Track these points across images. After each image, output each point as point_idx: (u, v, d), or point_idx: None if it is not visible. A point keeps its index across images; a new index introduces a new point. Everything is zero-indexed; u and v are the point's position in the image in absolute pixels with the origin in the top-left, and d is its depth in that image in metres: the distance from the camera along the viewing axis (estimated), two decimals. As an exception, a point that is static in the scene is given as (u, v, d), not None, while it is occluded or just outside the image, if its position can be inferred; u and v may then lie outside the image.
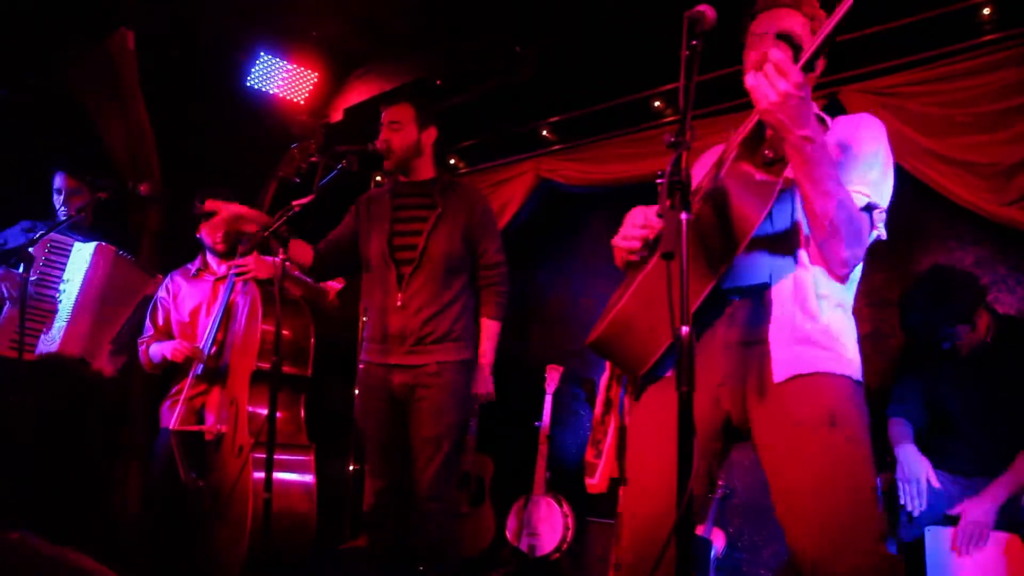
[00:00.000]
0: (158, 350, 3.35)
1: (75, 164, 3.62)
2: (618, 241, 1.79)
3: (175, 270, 3.59)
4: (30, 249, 3.19)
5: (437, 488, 2.74)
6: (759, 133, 1.67)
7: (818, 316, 1.70)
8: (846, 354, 1.70)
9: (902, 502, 2.62)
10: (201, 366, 3.27)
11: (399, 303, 2.84)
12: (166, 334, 3.46)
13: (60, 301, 3.45)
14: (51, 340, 3.40)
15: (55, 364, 3.39)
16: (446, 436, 2.77)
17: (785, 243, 1.76)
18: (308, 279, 3.42)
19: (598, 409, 3.52)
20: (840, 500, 1.56)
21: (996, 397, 2.68)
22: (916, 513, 2.59)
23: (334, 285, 3.49)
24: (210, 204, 3.31)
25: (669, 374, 1.76)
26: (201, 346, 3.29)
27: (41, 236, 3.28)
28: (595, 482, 3.52)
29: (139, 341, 3.46)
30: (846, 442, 1.59)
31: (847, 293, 1.78)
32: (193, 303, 3.48)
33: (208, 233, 3.49)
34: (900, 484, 2.64)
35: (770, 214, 1.76)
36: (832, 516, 1.55)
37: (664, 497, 1.54)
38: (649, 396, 1.83)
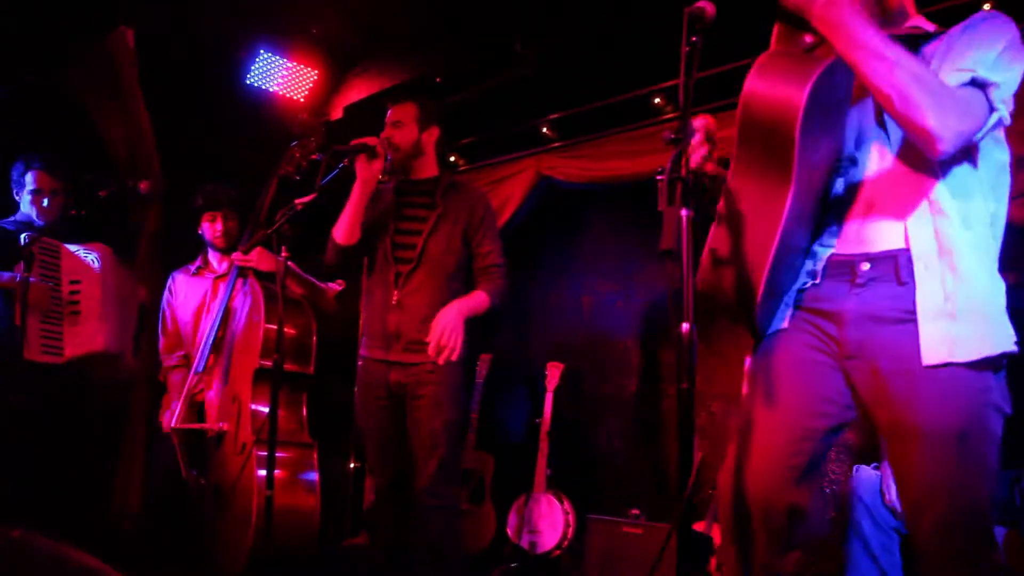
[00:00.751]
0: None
1: (51, 161, 3.44)
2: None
3: (176, 270, 3.59)
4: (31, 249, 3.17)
5: (436, 486, 2.73)
6: (789, 31, 1.56)
7: (970, 277, 1.51)
8: (1001, 321, 1.53)
9: None
10: (203, 363, 3.27)
11: (394, 301, 2.83)
12: (175, 336, 3.50)
13: (81, 303, 3.39)
14: (88, 340, 3.33)
15: (81, 363, 3.37)
16: (443, 433, 2.75)
17: (908, 180, 1.56)
18: (310, 277, 3.43)
19: None
20: (959, 510, 1.50)
21: None
22: None
23: (334, 287, 3.50)
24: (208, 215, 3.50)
25: (784, 325, 1.67)
26: (203, 343, 3.30)
27: (36, 238, 3.25)
28: None
29: (160, 358, 3.52)
30: (972, 462, 1.50)
31: (990, 237, 1.56)
32: (195, 302, 3.49)
33: (209, 228, 3.50)
34: None
35: (887, 129, 1.59)
36: (952, 525, 1.50)
37: (769, 466, 1.60)
38: (760, 356, 1.72)
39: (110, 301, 3.43)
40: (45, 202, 3.41)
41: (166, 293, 3.53)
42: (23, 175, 3.42)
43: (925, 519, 1.51)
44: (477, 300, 2.83)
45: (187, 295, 3.51)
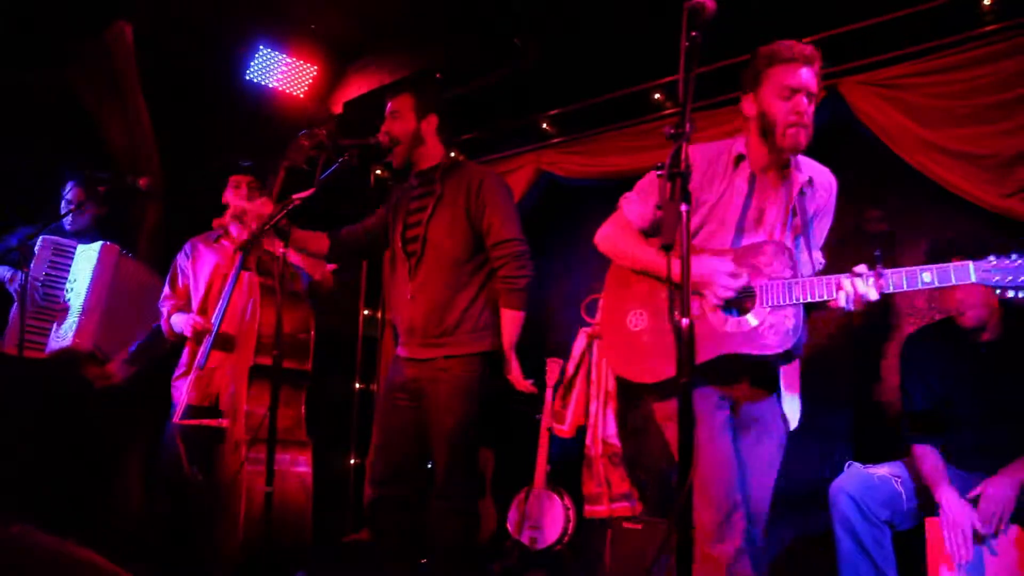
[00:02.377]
0: (178, 322, 3.37)
1: (83, 171, 3.64)
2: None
3: (196, 236, 3.58)
4: (30, 242, 3.19)
5: (446, 488, 2.69)
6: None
7: None
8: None
9: (948, 550, 2.50)
10: (204, 360, 3.26)
11: (409, 296, 2.80)
12: (184, 298, 3.47)
13: (69, 300, 3.44)
14: (63, 336, 3.39)
15: (59, 361, 3.40)
16: (453, 433, 2.70)
17: None
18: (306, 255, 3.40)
19: (570, 368, 4.20)
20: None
21: (1005, 393, 2.65)
22: (963, 563, 2.48)
23: (327, 266, 3.48)
24: (234, 179, 3.49)
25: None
26: (205, 342, 3.29)
27: (38, 232, 3.28)
28: (565, 428, 4.11)
29: (159, 304, 3.46)
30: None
31: None
32: (210, 271, 3.46)
33: (233, 195, 3.48)
34: (945, 532, 2.52)
35: None
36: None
37: None
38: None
39: (99, 300, 3.46)
40: (71, 212, 3.64)
41: (180, 255, 3.52)
42: (65, 185, 3.68)
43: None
44: (508, 324, 2.83)
45: (204, 264, 3.48)
